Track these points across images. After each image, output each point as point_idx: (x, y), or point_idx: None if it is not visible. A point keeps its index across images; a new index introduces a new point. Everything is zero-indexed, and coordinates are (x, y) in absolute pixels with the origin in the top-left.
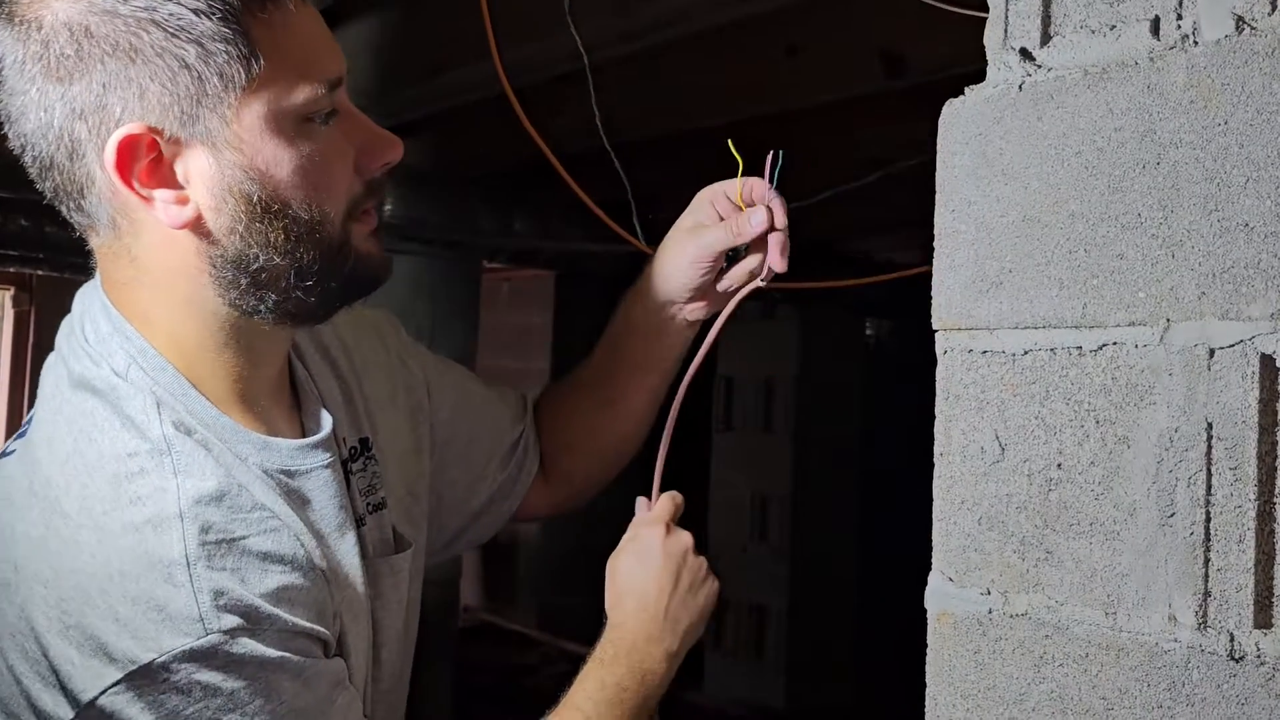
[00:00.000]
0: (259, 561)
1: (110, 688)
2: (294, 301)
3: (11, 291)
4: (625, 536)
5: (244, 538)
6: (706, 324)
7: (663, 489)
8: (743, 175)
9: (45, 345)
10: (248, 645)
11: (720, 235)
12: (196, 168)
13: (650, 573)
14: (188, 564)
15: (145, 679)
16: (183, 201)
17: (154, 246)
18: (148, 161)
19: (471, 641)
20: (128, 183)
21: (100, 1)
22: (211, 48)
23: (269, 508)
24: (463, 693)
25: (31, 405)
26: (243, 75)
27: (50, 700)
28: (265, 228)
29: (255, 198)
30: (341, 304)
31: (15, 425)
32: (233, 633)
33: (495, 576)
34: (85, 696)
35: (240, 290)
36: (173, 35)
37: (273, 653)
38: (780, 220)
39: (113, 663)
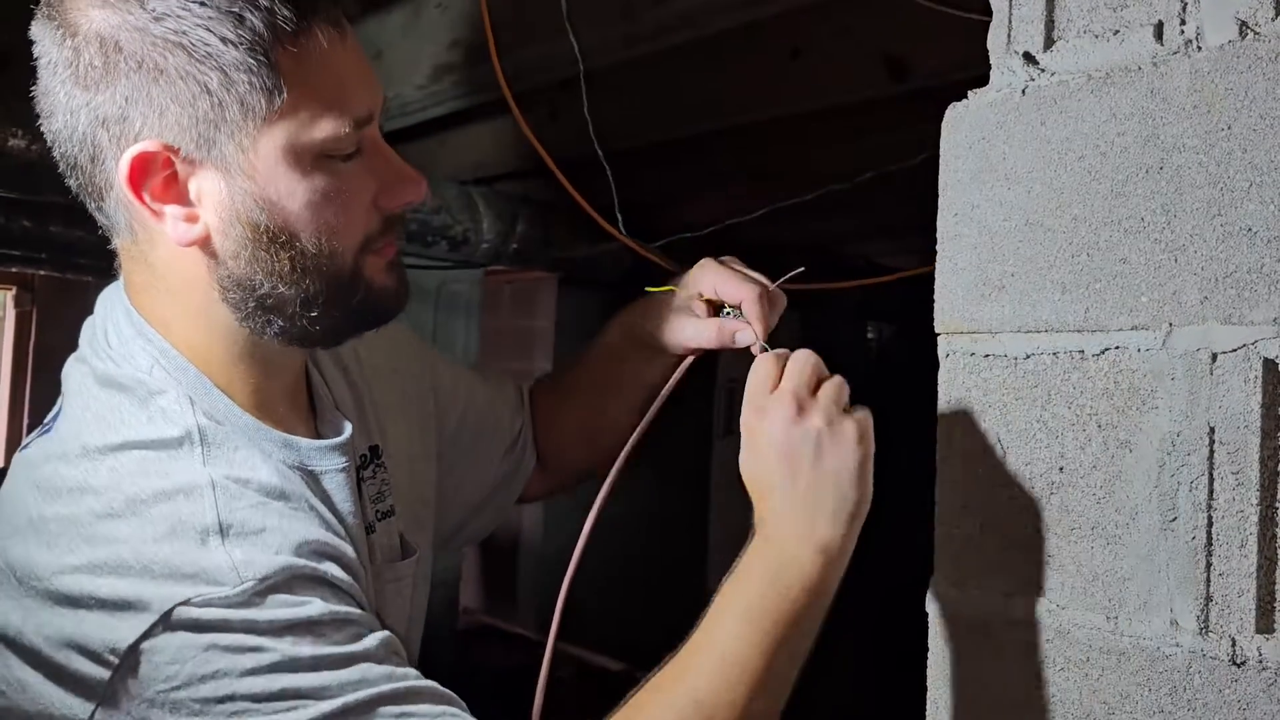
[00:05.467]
0: (290, 525)
1: (150, 630)
2: (300, 328)
3: (13, 291)
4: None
5: (276, 511)
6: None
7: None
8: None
9: (47, 345)
10: (282, 595)
11: (711, 338)
12: (208, 189)
13: (766, 464)
14: (221, 530)
15: (184, 618)
16: (192, 220)
17: (168, 258)
18: (162, 177)
19: (471, 643)
20: (139, 196)
21: (133, 18)
22: (235, 76)
23: (298, 494)
24: (462, 695)
25: (34, 405)
26: (264, 106)
27: (89, 666)
28: (270, 257)
29: (262, 226)
30: (351, 333)
31: (16, 424)
32: (269, 582)
33: (495, 578)
34: (124, 644)
35: (247, 312)
36: (198, 60)
37: (311, 604)
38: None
39: (149, 609)
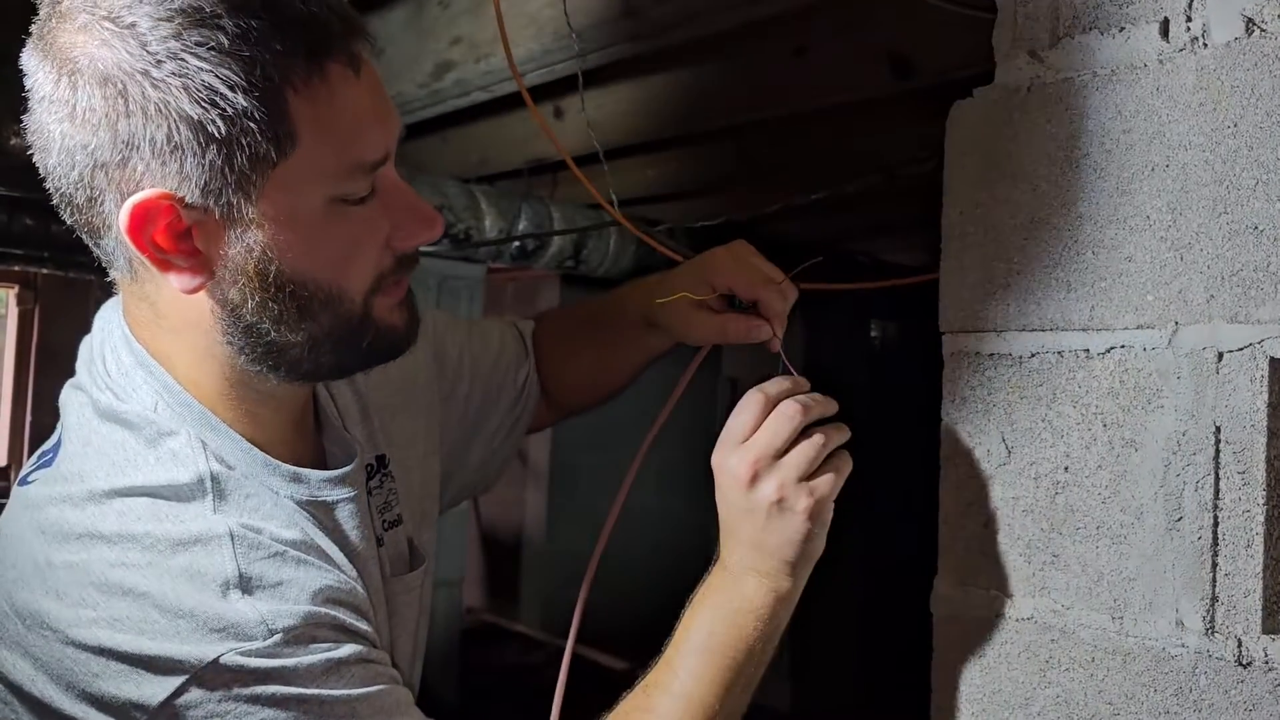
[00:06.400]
0: (307, 575)
1: (183, 687)
2: (306, 369)
3: (16, 290)
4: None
5: (292, 561)
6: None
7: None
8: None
9: (50, 344)
10: (310, 646)
11: (726, 333)
12: (214, 238)
13: (724, 509)
14: (242, 582)
15: (215, 675)
16: (197, 270)
17: (171, 298)
18: (164, 224)
19: (475, 642)
20: (141, 245)
21: (135, 60)
22: (243, 124)
23: (309, 538)
24: (466, 693)
25: (37, 402)
26: (274, 155)
27: None
28: (278, 306)
29: (271, 275)
30: (359, 370)
31: (19, 424)
32: (295, 633)
33: (498, 577)
34: (154, 701)
35: (253, 356)
36: (203, 107)
37: (340, 647)
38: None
39: (180, 667)
